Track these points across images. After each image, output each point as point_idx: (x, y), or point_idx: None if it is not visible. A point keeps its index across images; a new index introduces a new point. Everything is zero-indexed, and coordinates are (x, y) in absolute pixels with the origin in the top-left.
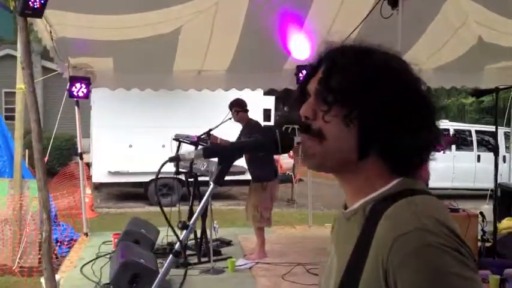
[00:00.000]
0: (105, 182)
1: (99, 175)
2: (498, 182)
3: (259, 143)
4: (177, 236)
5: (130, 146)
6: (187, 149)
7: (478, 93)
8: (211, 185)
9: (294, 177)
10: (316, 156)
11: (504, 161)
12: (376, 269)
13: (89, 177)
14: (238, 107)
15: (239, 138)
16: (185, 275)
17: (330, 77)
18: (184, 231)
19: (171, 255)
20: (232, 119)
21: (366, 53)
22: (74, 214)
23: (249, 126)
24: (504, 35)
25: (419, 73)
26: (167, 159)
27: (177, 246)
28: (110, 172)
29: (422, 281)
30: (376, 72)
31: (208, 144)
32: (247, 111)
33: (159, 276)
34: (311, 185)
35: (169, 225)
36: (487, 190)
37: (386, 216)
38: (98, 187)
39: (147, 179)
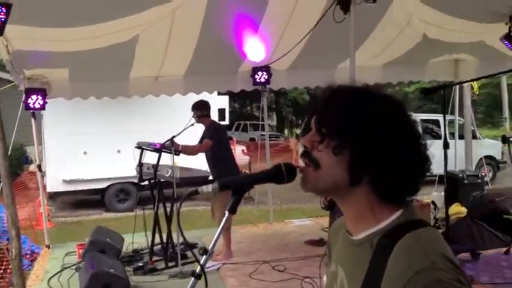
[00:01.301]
0: (60, 190)
1: (54, 184)
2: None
3: (268, 175)
4: (197, 260)
5: (85, 153)
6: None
7: (426, 91)
8: (227, 214)
9: None
10: (310, 182)
11: (448, 147)
12: None
13: (44, 187)
14: (198, 111)
15: (201, 140)
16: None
17: (323, 113)
18: (204, 256)
19: (192, 278)
20: (195, 123)
21: (355, 92)
22: (32, 226)
23: (210, 129)
24: (447, 31)
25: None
26: (189, 191)
27: (198, 269)
28: (64, 180)
29: None
30: (360, 108)
31: (225, 179)
32: (205, 115)
33: None
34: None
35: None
36: (434, 176)
37: (397, 253)
38: (52, 196)
39: (103, 185)
